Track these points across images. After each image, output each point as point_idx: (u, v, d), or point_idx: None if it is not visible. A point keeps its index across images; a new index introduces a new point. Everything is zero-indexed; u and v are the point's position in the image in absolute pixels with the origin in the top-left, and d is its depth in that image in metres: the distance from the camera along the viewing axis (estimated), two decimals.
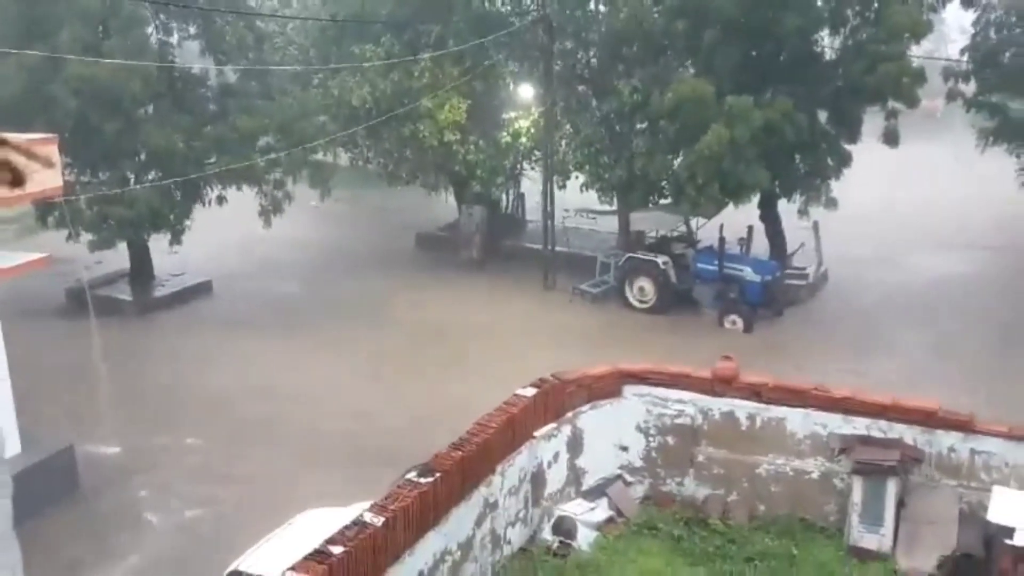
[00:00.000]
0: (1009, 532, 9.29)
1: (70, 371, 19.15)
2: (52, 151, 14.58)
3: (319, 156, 27.90)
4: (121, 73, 21.42)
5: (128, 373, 19.73)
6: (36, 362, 17.63)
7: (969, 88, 24.77)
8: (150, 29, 25.77)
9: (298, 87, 27.06)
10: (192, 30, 26.65)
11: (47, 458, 14.91)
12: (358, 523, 7.87)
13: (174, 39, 26.80)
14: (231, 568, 9.96)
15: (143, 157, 24.81)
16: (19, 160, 0.58)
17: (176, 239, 25.01)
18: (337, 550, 7.47)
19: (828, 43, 25.98)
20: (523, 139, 27.99)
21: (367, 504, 8.36)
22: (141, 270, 26.27)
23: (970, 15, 25.04)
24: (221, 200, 25.94)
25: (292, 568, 7.32)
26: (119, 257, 25.84)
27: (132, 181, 24.25)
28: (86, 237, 23.59)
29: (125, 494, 15.42)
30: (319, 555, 7.42)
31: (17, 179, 0.59)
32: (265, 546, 10.10)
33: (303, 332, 22.90)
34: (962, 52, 25.26)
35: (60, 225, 23.13)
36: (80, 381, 18.61)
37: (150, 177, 24.58)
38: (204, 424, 17.77)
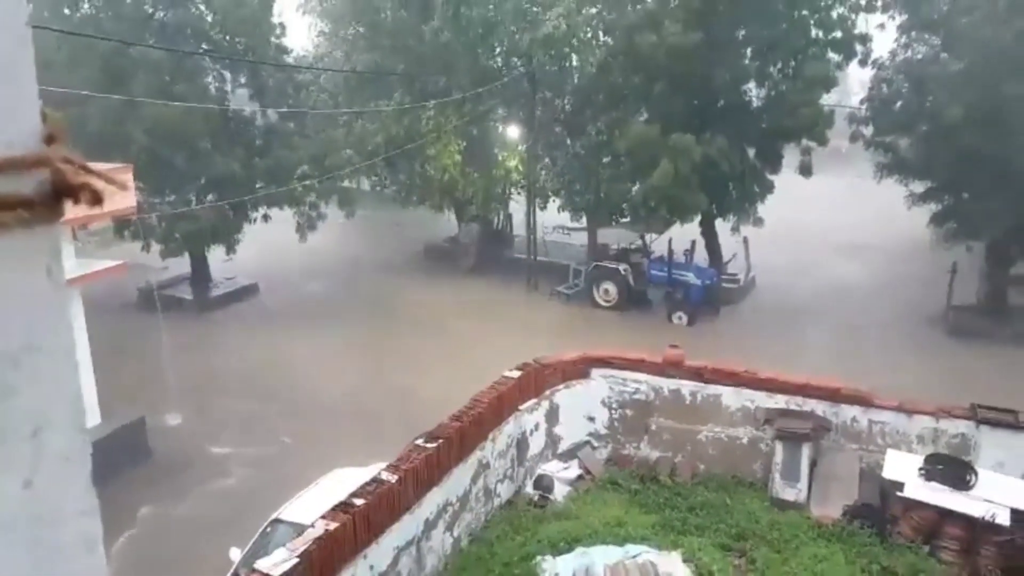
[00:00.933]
0: (900, 486, 9.29)
1: (141, 356, 19.01)
2: (128, 178, 14.52)
3: (346, 183, 27.80)
4: (185, 114, 21.30)
5: (189, 359, 19.58)
6: (113, 349, 17.48)
7: (868, 130, 24.87)
8: (209, 78, 25.64)
9: (328, 127, 26.96)
10: (242, 79, 26.52)
11: (122, 427, 14.80)
12: (376, 480, 7.78)
13: (228, 86, 26.65)
14: (273, 516, 9.86)
15: (203, 182, 24.69)
16: (98, 184, 0.55)
17: (231, 249, 24.89)
18: (359, 502, 7.39)
19: (755, 93, 26.08)
20: (511, 172, 27.98)
21: (383, 465, 8.28)
22: (200, 274, 26.10)
23: (869, 71, 25.17)
24: (266, 218, 25.82)
25: (323, 517, 7.24)
26: (181, 264, 25.68)
27: (194, 202, 24.13)
28: (156, 248, 23.48)
29: (187, 456, 15.31)
30: (344, 506, 7.33)
31: (96, 200, 0.55)
32: (300, 499, 10.00)
33: (331, 324, 22.78)
34: (861, 102, 25.37)
35: (134, 237, 22.97)
36: (149, 365, 18.46)
37: (208, 199, 24.45)
38: (250, 400, 17.64)
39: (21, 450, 0.64)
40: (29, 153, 0.61)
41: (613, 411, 11.20)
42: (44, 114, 0.64)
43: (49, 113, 0.64)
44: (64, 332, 0.67)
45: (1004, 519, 8.57)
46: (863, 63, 24.88)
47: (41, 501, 0.66)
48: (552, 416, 10.82)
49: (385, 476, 7.80)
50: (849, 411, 10.27)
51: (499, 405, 9.64)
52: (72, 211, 0.66)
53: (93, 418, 14.34)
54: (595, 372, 11.12)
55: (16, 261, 0.63)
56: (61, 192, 0.62)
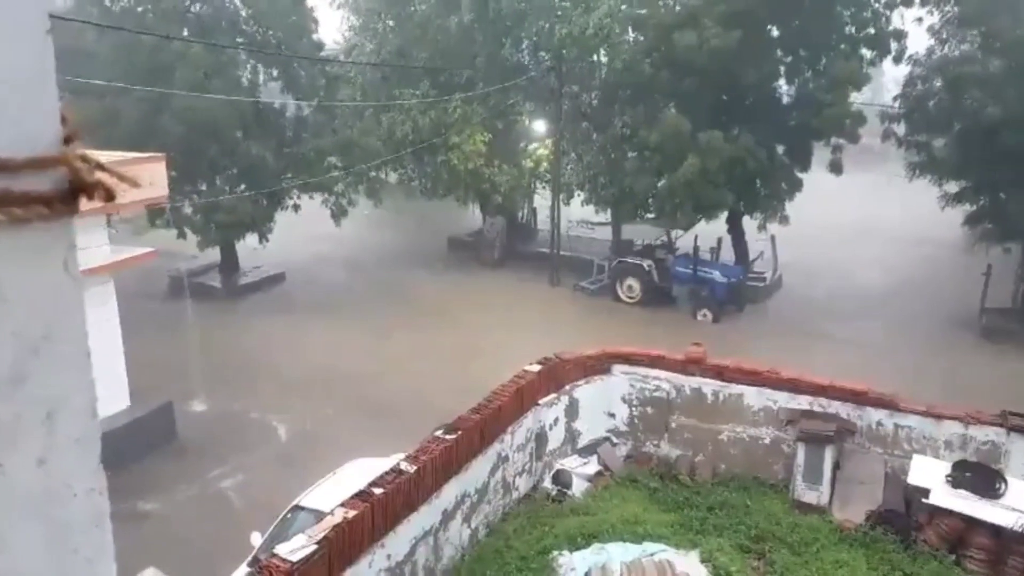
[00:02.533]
0: (926, 492, 9.18)
1: (170, 343, 19.32)
2: (160, 168, 14.75)
3: (373, 174, 28.00)
4: (219, 106, 21.57)
5: (217, 345, 19.87)
6: (144, 335, 17.82)
7: (900, 129, 24.50)
8: (242, 71, 25.94)
9: (357, 119, 27.15)
10: (275, 73, 26.78)
11: (150, 412, 15.06)
12: (395, 470, 7.85)
13: (261, 80, 26.93)
14: (294, 503, 10.00)
15: (235, 172, 25.01)
16: (111, 181, 0.58)
17: (263, 238, 25.22)
18: (378, 491, 7.47)
19: (785, 90, 25.80)
20: (537, 165, 27.96)
21: (403, 455, 8.35)
22: (229, 263, 26.43)
23: (904, 68, 24.76)
24: (296, 208, 26.08)
25: (342, 504, 7.33)
26: (211, 252, 26.04)
27: (227, 192, 24.45)
28: (192, 237, 23.87)
29: (211, 441, 15.55)
30: (364, 495, 7.41)
31: (110, 196, 0.58)
32: (321, 487, 10.13)
33: (355, 313, 22.98)
34: (895, 99, 24.99)
35: (167, 226, 23.34)
36: (178, 351, 18.76)
37: (240, 188, 24.77)
38: (274, 386, 17.86)
39: (37, 431, 0.69)
40: (48, 153, 0.65)
41: (633, 408, 11.18)
42: (63, 115, 0.67)
43: (68, 114, 0.68)
44: (79, 323, 0.72)
45: None
46: (897, 60, 24.49)
47: (54, 478, 0.70)
48: (572, 411, 10.84)
49: (404, 466, 7.87)
50: (875, 414, 10.16)
51: (519, 399, 9.68)
52: (90, 204, 0.70)
53: (123, 402, 14.63)
54: (616, 368, 11.11)
55: (35, 254, 0.67)
56: (77, 189, 0.65)
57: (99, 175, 0.66)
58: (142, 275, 21.18)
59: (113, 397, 14.29)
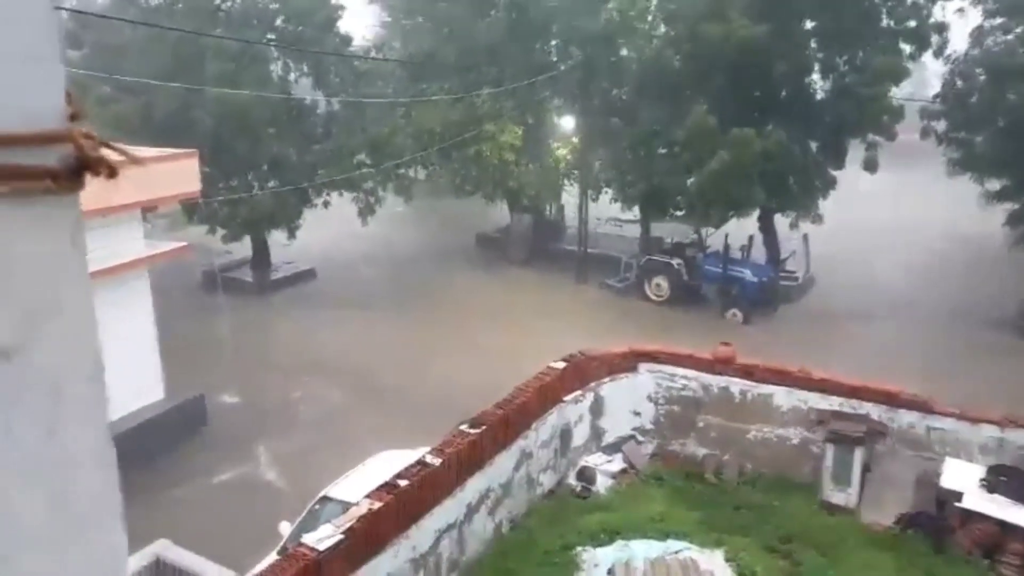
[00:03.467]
0: (958, 496, 9.03)
1: (203, 336, 19.63)
2: (193, 163, 14.99)
3: (402, 171, 28.16)
4: (252, 101, 21.82)
5: (249, 339, 20.15)
6: (177, 328, 18.11)
7: (940, 126, 24.02)
8: (273, 66, 26.21)
9: (386, 115, 27.30)
10: (305, 68, 27.02)
11: (183, 403, 15.33)
12: (420, 463, 7.92)
13: (292, 75, 27.19)
14: (321, 494, 10.13)
15: (265, 168, 25.29)
16: (115, 158, 0.60)
17: (291, 234, 25.46)
18: (403, 483, 7.54)
19: (820, 85, 25.40)
20: (564, 161, 27.90)
21: (428, 448, 8.42)
22: (261, 258, 26.76)
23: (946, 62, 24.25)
24: (327, 204, 26.30)
25: (368, 496, 7.41)
26: (244, 247, 26.38)
27: (256, 187, 24.72)
28: (222, 231, 24.18)
29: (242, 432, 15.79)
30: (389, 487, 7.50)
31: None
32: (348, 478, 10.25)
33: (384, 310, 23.15)
34: (935, 97, 24.50)
35: (201, 221, 23.69)
36: (211, 344, 19.06)
37: (270, 184, 25.04)
38: (306, 380, 18.08)
39: (44, 401, 0.72)
40: (54, 129, 0.68)
41: (659, 407, 11.14)
42: (68, 94, 0.70)
43: (73, 93, 0.71)
44: (85, 296, 0.75)
45: None
46: (937, 54, 23.98)
47: (62, 447, 0.73)
48: (597, 409, 10.83)
49: (429, 459, 7.94)
50: (906, 416, 10.01)
51: (543, 395, 9.70)
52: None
53: (157, 393, 14.92)
54: (642, 367, 11.07)
55: (42, 228, 0.70)
56: (82, 165, 0.68)
57: (103, 151, 0.69)
58: (176, 269, 21.55)
59: (148, 388, 14.59)
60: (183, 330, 19.20)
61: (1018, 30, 22.76)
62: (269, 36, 25.50)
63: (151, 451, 13.52)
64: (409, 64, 27.64)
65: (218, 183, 24.55)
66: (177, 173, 14.31)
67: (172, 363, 15.52)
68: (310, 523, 9.09)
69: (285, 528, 9.95)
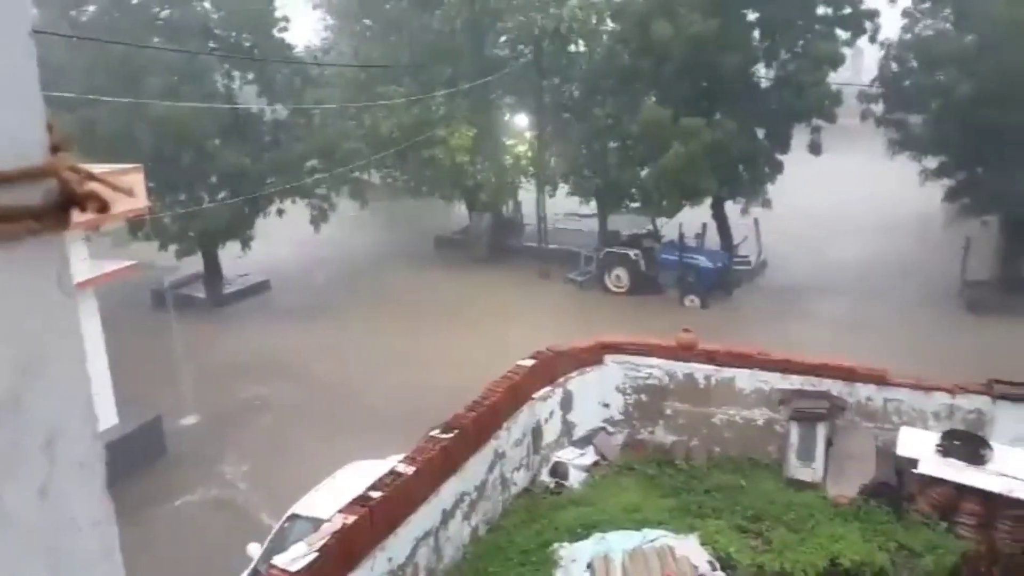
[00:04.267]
0: (914, 463, 9.27)
1: (156, 356, 19.11)
2: (138, 179, 14.59)
3: (356, 175, 27.85)
4: (195, 113, 21.35)
5: (204, 356, 19.71)
6: (128, 349, 17.64)
7: (879, 108, 24.67)
8: (216, 76, 25.68)
9: (337, 120, 26.98)
10: (250, 75, 26.54)
11: (139, 427, 14.91)
12: (393, 472, 7.81)
13: (236, 83, 26.67)
14: (290, 511, 9.93)
15: (214, 180, 24.76)
16: (105, 192, 0.56)
17: (245, 245, 24.97)
18: (376, 495, 7.43)
19: (764, 74, 25.89)
20: (519, 158, 27.92)
21: (400, 456, 8.32)
22: (213, 272, 26.20)
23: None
24: (280, 212, 25.86)
25: (340, 511, 7.28)
26: (195, 262, 25.80)
27: (206, 200, 24.20)
28: (172, 247, 23.61)
29: (201, 454, 15.43)
30: (362, 500, 7.37)
31: (103, 208, 0.56)
32: (317, 493, 10.07)
33: (344, 317, 22.88)
34: (872, 81, 25.14)
35: (147, 238, 23.08)
36: (164, 364, 18.57)
37: (220, 196, 24.53)
38: (265, 394, 17.78)
39: (36, 459, 0.65)
40: (36, 163, 0.62)
41: (627, 397, 11.20)
42: (50, 124, 0.65)
43: (54, 123, 0.65)
44: (75, 340, 0.69)
45: (1021, 493, 8.54)
46: (872, 40, 24.65)
47: (57, 509, 0.67)
48: (567, 403, 10.84)
49: (402, 468, 7.84)
50: (864, 390, 10.24)
51: (513, 394, 9.67)
52: (82, 216, 0.67)
53: (110, 418, 14.48)
54: (608, 358, 11.12)
55: (26, 270, 0.64)
56: (68, 201, 0.63)
57: (91, 185, 0.63)
58: (124, 289, 20.97)
59: (100, 414, 14.11)
60: (135, 352, 18.64)
61: (944, 12, 23.46)
62: (212, 46, 24.97)
63: (108, 480, 13.10)
64: (360, 68, 27.37)
65: (165, 198, 23.97)
66: (118, 194, 13.87)
67: (125, 387, 15.05)
68: (280, 543, 8.90)
69: (254, 550, 9.72)
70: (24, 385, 0.64)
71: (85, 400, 0.70)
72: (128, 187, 0.69)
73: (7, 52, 0.61)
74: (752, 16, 24.51)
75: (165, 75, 22.45)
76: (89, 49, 21.20)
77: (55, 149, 0.64)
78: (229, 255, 25.95)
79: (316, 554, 6.57)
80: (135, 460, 14.08)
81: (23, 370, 0.64)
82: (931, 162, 24.29)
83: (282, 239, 28.10)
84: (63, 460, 0.67)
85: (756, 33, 24.91)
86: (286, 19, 26.09)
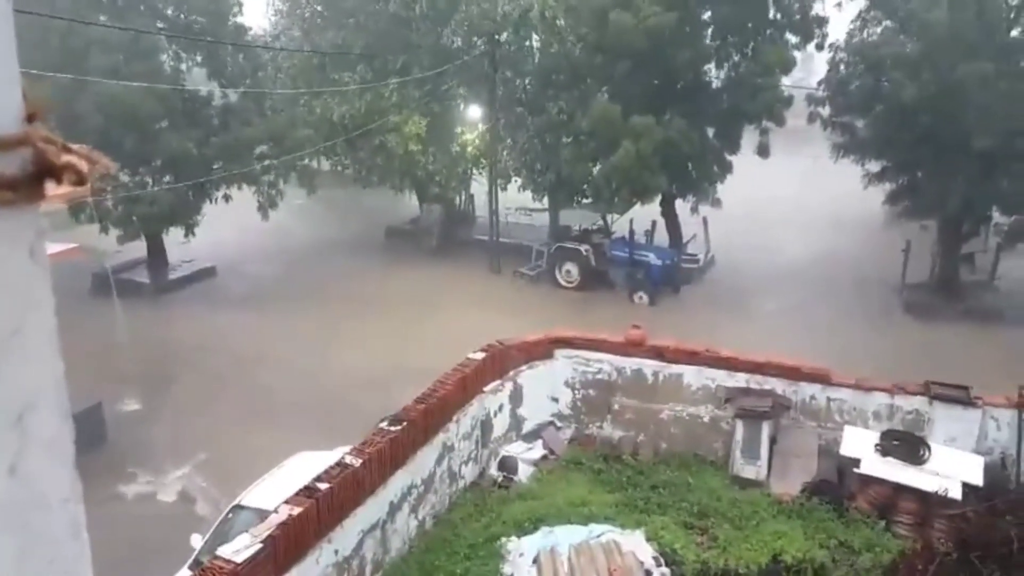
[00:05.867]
0: (857, 462, 9.56)
1: (97, 342, 18.55)
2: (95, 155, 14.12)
3: (305, 162, 27.39)
4: (140, 94, 20.72)
5: (146, 342, 19.21)
6: (68, 336, 16.97)
7: (825, 111, 25.26)
8: (164, 57, 24.96)
9: (288, 106, 26.48)
10: (199, 58, 25.86)
11: (79, 413, 14.40)
12: (340, 464, 7.75)
13: (184, 66, 25.96)
14: (235, 502, 9.76)
15: (159, 163, 24.10)
16: (81, 164, 0.54)
17: (190, 231, 24.37)
18: (323, 486, 7.36)
19: (715, 74, 26.29)
20: (472, 150, 27.83)
21: (347, 448, 8.25)
22: (157, 257, 25.55)
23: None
24: (227, 198, 25.30)
25: (286, 502, 7.19)
26: (139, 246, 25.10)
27: (151, 184, 23.54)
28: (115, 231, 22.93)
29: (144, 441, 15.07)
30: (308, 491, 7.30)
31: (80, 180, 0.54)
32: (262, 484, 9.92)
33: (290, 307, 22.53)
34: (819, 83, 25.71)
35: (90, 220, 22.36)
36: (106, 350, 18.05)
37: (166, 180, 23.90)
38: (208, 384, 17.40)
39: (6, 436, 0.63)
40: (10, 133, 0.60)
41: (576, 391, 11.30)
42: (24, 93, 0.62)
43: (29, 91, 0.63)
44: (47, 314, 0.67)
45: (956, 493, 8.87)
46: (819, 47, 25.26)
47: (26, 487, 0.65)
48: (516, 397, 10.88)
49: (349, 460, 7.78)
50: (808, 389, 10.51)
51: (463, 387, 9.66)
52: (57, 189, 0.65)
53: None
54: (558, 353, 11.19)
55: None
56: (43, 172, 0.60)
57: (67, 157, 0.61)
58: (64, 272, 20.24)
59: None
60: (75, 337, 18.02)
61: (887, 22, 24.16)
62: (159, 25, 24.24)
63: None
64: (311, 54, 26.91)
65: (109, 180, 23.22)
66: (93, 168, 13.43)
67: (65, 374, 14.56)
68: (223, 534, 8.75)
69: (197, 541, 9.54)
70: None
71: (57, 375, 0.68)
72: (104, 163, 0.68)
73: None
74: (706, 15, 24.85)
75: (110, 53, 21.73)
76: (29, 21, 20.38)
77: (30, 119, 0.62)
78: (174, 241, 25.32)
79: (261, 545, 6.48)
80: (75, 448, 13.64)
81: None
82: (874, 166, 25.01)
83: (229, 226, 27.48)
84: (33, 436, 0.65)
85: (709, 32, 25.27)
86: (239, 2, 25.53)
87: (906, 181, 24.22)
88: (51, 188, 0.62)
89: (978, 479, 9.09)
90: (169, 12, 24.81)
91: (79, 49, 21.38)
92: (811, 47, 25.84)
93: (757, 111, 24.15)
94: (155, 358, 18.51)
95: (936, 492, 8.94)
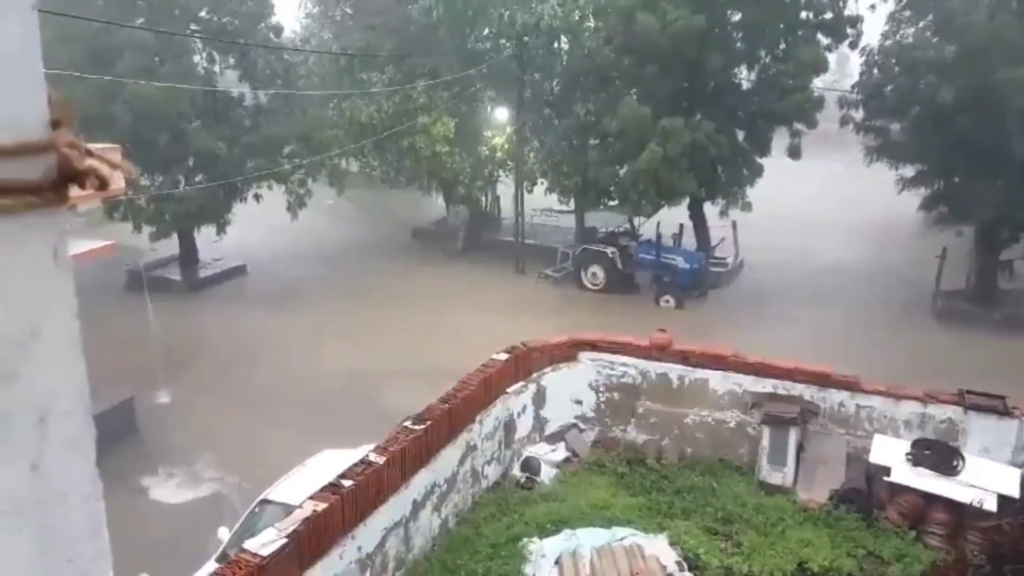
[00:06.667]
0: (887, 471, 9.40)
1: (129, 337, 18.90)
2: (115, 159, 14.39)
3: (334, 162, 27.66)
4: (172, 94, 21.06)
5: (178, 339, 19.52)
6: (102, 331, 17.35)
7: (859, 114, 24.92)
8: (197, 58, 25.35)
9: (317, 107, 26.75)
10: (231, 60, 26.22)
11: (111, 408, 14.73)
12: (364, 461, 7.79)
13: (217, 67, 26.34)
14: (261, 497, 9.89)
15: (191, 163, 24.49)
16: (104, 169, 0.55)
17: (221, 230, 24.72)
18: (347, 483, 7.41)
19: (745, 76, 26.05)
20: (499, 152, 27.88)
21: (372, 446, 8.30)
22: (189, 255, 25.95)
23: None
24: (257, 197, 25.62)
25: (311, 497, 7.26)
26: (171, 244, 25.51)
27: (183, 183, 23.93)
28: (147, 228, 23.35)
29: (174, 435, 15.30)
30: (333, 487, 7.35)
31: (103, 185, 0.56)
32: (289, 480, 10.03)
33: (318, 306, 22.75)
34: (853, 87, 25.38)
35: (123, 219, 22.80)
36: (139, 345, 18.38)
37: (197, 179, 24.27)
38: (237, 380, 17.63)
39: (28, 435, 0.65)
40: (35, 138, 0.62)
41: (600, 394, 11.25)
42: (50, 98, 0.64)
43: (55, 97, 0.65)
44: (70, 316, 0.68)
45: (990, 505, 8.68)
46: (853, 46, 24.90)
47: (48, 485, 0.67)
48: (539, 399, 10.86)
49: (373, 458, 7.82)
50: (837, 395, 10.36)
51: (487, 387, 9.67)
52: (80, 192, 0.67)
53: None
54: (583, 355, 11.15)
55: (23, 245, 0.63)
56: (67, 177, 0.62)
57: (90, 162, 0.63)
58: (99, 269, 20.64)
59: None
60: (108, 332, 18.41)
61: (926, 20, 23.72)
62: (192, 28, 24.62)
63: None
64: (342, 55, 27.18)
65: (142, 179, 23.64)
66: (116, 172, 13.71)
67: (97, 368, 14.79)
68: (250, 528, 8.87)
69: (224, 534, 9.68)
70: (21, 359, 0.64)
71: (79, 375, 0.70)
72: (126, 167, 0.69)
73: (9, 23, 0.61)
74: (736, 17, 24.65)
75: (144, 55, 22.13)
76: (67, 24, 20.80)
77: (55, 124, 0.64)
78: (206, 239, 25.70)
79: (286, 540, 6.55)
80: (106, 441, 13.89)
81: (19, 343, 0.64)
82: (908, 170, 24.61)
83: (259, 224, 27.84)
84: (55, 435, 0.67)
85: (739, 35, 25.04)
86: (272, 5, 25.86)
87: (942, 186, 23.79)
88: (74, 191, 0.64)
89: (1014, 491, 8.89)
90: (203, 14, 25.17)
91: (113, 50, 21.78)
92: (847, 49, 25.50)
93: (787, 113, 23.90)
94: (185, 353, 18.80)
95: (970, 503, 8.76)
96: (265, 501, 9.67)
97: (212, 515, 11.28)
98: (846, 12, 24.46)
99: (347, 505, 7.27)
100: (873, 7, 24.65)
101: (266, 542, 6.53)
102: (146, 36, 22.06)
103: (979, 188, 21.60)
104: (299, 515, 6.92)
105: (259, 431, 15.32)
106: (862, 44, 24.84)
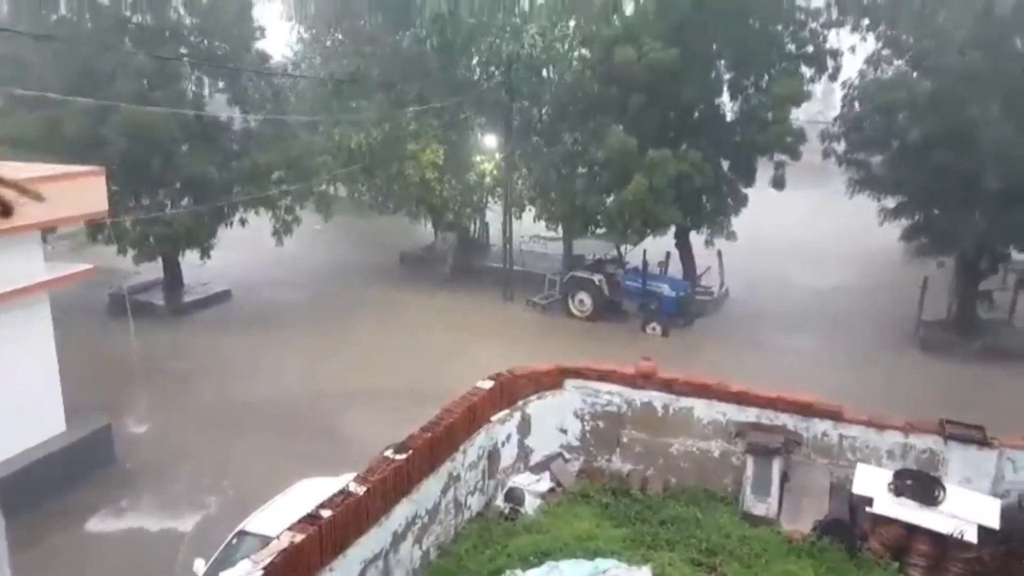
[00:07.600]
0: (869, 501, 9.33)
1: (111, 362, 18.65)
2: (99, 182, 14.28)
3: (322, 188, 27.62)
4: (163, 118, 21.02)
5: (159, 364, 19.27)
6: (82, 355, 17.11)
7: (840, 147, 25.16)
8: (186, 82, 25.36)
9: (306, 132, 26.76)
10: (221, 84, 26.24)
11: (88, 435, 14.49)
12: (344, 491, 7.63)
13: (206, 91, 26.35)
14: (238, 528, 9.68)
15: (178, 186, 24.38)
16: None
17: (205, 254, 24.55)
18: (326, 514, 7.26)
19: (729, 107, 26.31)
20: (487, 178, 27.96)
21: (352, 475, 8.15)
22: (173, 280, 25.73)
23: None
24: (243, 222, 25.50)
25: (289, 528, 7.10)
26: (155, 268, 25.29)
27: (169, 206, 23.81)
28: (132, 252, 23.16)
29: (152, 463, 15.03)
30: (311, 518, 7.20)
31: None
32: (266, 510, 9.84)
33: (304, 332, 22.57)
34: (835, 120, 25.64)
35: (107, 241, 22.61)
36: (118, 371, 18.13)
37: (184, 203, 24.15)
38: (218, 407, 17.39)
39: None
40: None
41: (585, 423, 11.13)
42: None
43: None
44: None
45: (971, 536, 8.62)
46: (832, 78, 25.22)
47: None
48: (524, 427, 10.73)
49: (353, 487, 7.67)
50: (820, 425, 10.29)
51: (470, 416, 9.54)
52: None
53: (58, 426, 14.02)
54: (568, 383, 11.04)
55: None
56: None
57: None
58: (80, 293, 20.44)
59: (47, 421, 13.70)
60: (88, 357, 18.16)
61: (898, 62, 24.07)
62: (183, 52, 24.65)
63: (51, 489, 12.67)
64: (331, 81, 27.26)
65: (128, 202, 23.49)
66: (82, 192, 13.59)
67: (75, 393, 14.61)
68: (227, 559, 8.67)
69: (200, 566, 9.46)
70: None
71: None
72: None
73: None
74: (716, 48, 24.91)
75: (135, 79, 22.12)
76: (58, 47, 20.81)
77: None
78: (191, 264, 25.51)
79: (262, 572, 6.38)
80: (82, 470, 13.64)
81: None
82: (890, 202, 24.84)
83: (246, 250, 27.69)
84: None
85: (722, 63, 25.31)
86: (262, 29, 25.93)
87: (922, 218, 23.98)
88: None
89: (994, 522, 8.83)
90: (192, 38, 25.22)
91: (105, 73, 21.76)
92: (819, 82, 25.80)
93: (768, 144, 24.12)
94: (166, 379, 18.54)
95: (951, 534, 8.69)
96: (242, 532, 9.47)
97: (187, 546, 11.03)
98: (827, 45, 24.77)
99: (325, 536, 7.10)
100: (853, 48, 24.95)
101: (242, 574, 6.37)
102: (138, 60, 22.07)
103: (958, 220, 21.82)
104: (276, 546, 6.74)
105: (239, 458, 15.08)
106: (843, 78, 25.15)
